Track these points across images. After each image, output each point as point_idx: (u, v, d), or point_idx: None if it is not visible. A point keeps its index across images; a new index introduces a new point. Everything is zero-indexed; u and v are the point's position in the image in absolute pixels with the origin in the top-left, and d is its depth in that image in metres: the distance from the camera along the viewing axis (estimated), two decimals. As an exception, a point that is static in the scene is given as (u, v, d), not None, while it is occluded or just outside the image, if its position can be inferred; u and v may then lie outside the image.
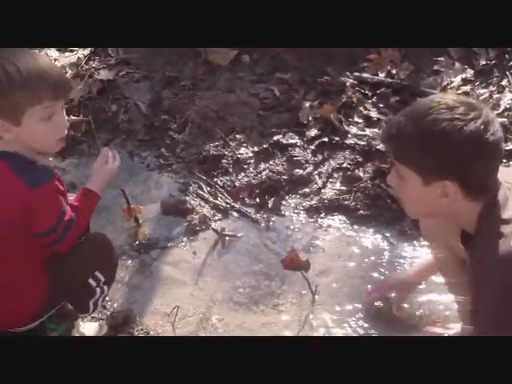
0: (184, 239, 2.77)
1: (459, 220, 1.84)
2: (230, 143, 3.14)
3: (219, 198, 2.95)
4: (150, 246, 2.73)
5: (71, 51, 3.62)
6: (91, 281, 2.15)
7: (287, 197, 2.95)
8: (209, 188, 2.99)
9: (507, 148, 2.89)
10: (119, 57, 3.56)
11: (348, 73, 3.39)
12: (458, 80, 3.32)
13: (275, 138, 3.15)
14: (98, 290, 2.18)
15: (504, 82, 3.28)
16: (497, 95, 3.20)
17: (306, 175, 3.01)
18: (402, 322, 2.37)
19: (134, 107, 3.34)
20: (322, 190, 2.95)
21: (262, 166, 3.06)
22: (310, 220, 2.85)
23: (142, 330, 2.36)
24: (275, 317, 2.45)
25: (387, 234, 2.77)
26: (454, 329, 2.22)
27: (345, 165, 3.03)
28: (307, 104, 3.24)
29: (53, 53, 3.60)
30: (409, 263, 2.62)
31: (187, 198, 2.93)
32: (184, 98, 3.36)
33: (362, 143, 3.08)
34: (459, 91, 3.24)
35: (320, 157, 3.08)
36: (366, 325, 2.38)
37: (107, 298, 2.37)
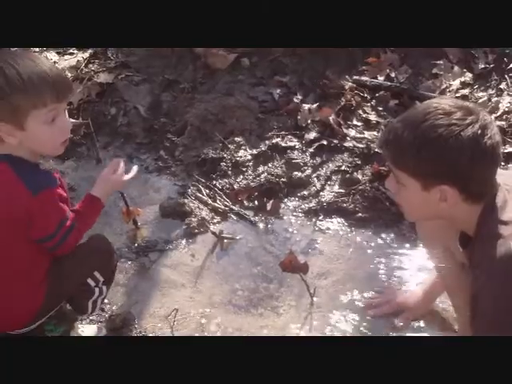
0: (183, 242, 2.77)
1: (459, 223, 1.84)
2: (229, 146, 3.14)
3: (218, 201, 2.95)
4: (149, 249, 2.73)
5: (70, 54, 3.63)
6: (90, 281, 2.15)
7: (286, 199, 2.96)
8: (208, 191, 3.00)
9: (506, 151, 2.90)
10: (119, 60, 3.57)
11: (347, 76, 3.40)
12: (456, 83, 3.32)
13: (274, 140, 3.15)
14: (97, 290, 2.18)
15: (503, 86, 3.29)
16: (495, 98, 3.21)
17: (304, 178, 3.01)
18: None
19: (133, 110, 3.35)
20: (321, 193, 2.96)
21: (261, 168, 3.06)
22: (309, 222, 2.85)
23: (140, 332, 2.36)
24: (274, 319, 2.45)
25: (386, 237, 2.77)
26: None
27: (343, 167, 3.03)
28: (306, 107, 3.25)
29: (52, 56, 3.60)
30: (407, 266, 2.63)
31: (186, 200, 2.93)
32: (183, 101, 3.37)
33: (361, 146, 3.08)
34: (458, 94, 3.25)
35: (319, 159, 3.08)
36: (365, 326, 2.39)
37: (106, 301, 2.37)
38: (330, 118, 3.17)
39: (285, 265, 2.57)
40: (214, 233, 2.79)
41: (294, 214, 2.90)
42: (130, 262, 2.67)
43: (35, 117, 1.85)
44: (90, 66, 3.56)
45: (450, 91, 3.29)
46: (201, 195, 2.96)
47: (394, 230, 2.78)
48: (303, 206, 2.91)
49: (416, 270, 2.60)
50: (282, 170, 3.03)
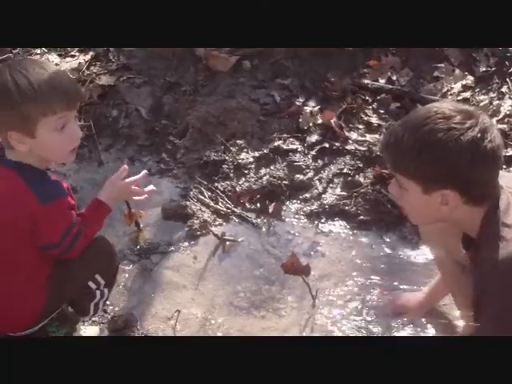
0: (185, 244, 2.78)
1: (462, 225, 1.84)
2: (231, 148, 3.14)
3: (220, 203, 2.95)
4: (151, 251, 2.73)
5: (72, 56, 3.63)
6: (91, 284, 2.15)
7: (288, 202, 2.96)
8: (209, 193, 3.00)
9: (507, 154, 2.90)
10: (120, 62, 3.57)
11: (348, 79, 3.40)
12: (458, 86, 3.33)
13: (276, 143, 3.15)
14: (98, 292, 2.18)
15: (504, 89, 3.30)
16: (497, 101, 3.22)
17: (306, 180, 3.01)
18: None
19: (135, 112, 3.35)
20: (323, 196, 2.96)
21: (263, 171, 3.06)
22: (311, 225, 2.86)
23: (142, 334, 2.36)
24: (276, 321, 2.45)
25: (387, 239, 2.77)
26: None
27: (345, 170, 3.04)
28: (308, 110, 3.25)
29: (54, 58, 3.60)
30: (409, 268, 2.63)
31: (188, 202, 2.93)
32: (185, 104, 3.37)
33: (363, 149, 3.09)
34: (459, 97, 3.25)
35: (320, 162, 3.08)
36: (366, 327, 2.39)
37: (108, 302, 2.37)
38: (332, 120, 3.17)
39: (287, 267, 2.57)
40: (215, 235, 2.79)
41: (296, 216, 2.90)
42: (132, 264, 2.67)
43: (45, 124, 1.86)
44: (92, 68, 3.56)
45: (451, 94, 3.29)
46: (203, 197, 2.97)
47: (396, 233, 2.79)
48: (305, 209, 2.92)
49: (418, 271, 2.60)
50: (283, 173, 3.04)
